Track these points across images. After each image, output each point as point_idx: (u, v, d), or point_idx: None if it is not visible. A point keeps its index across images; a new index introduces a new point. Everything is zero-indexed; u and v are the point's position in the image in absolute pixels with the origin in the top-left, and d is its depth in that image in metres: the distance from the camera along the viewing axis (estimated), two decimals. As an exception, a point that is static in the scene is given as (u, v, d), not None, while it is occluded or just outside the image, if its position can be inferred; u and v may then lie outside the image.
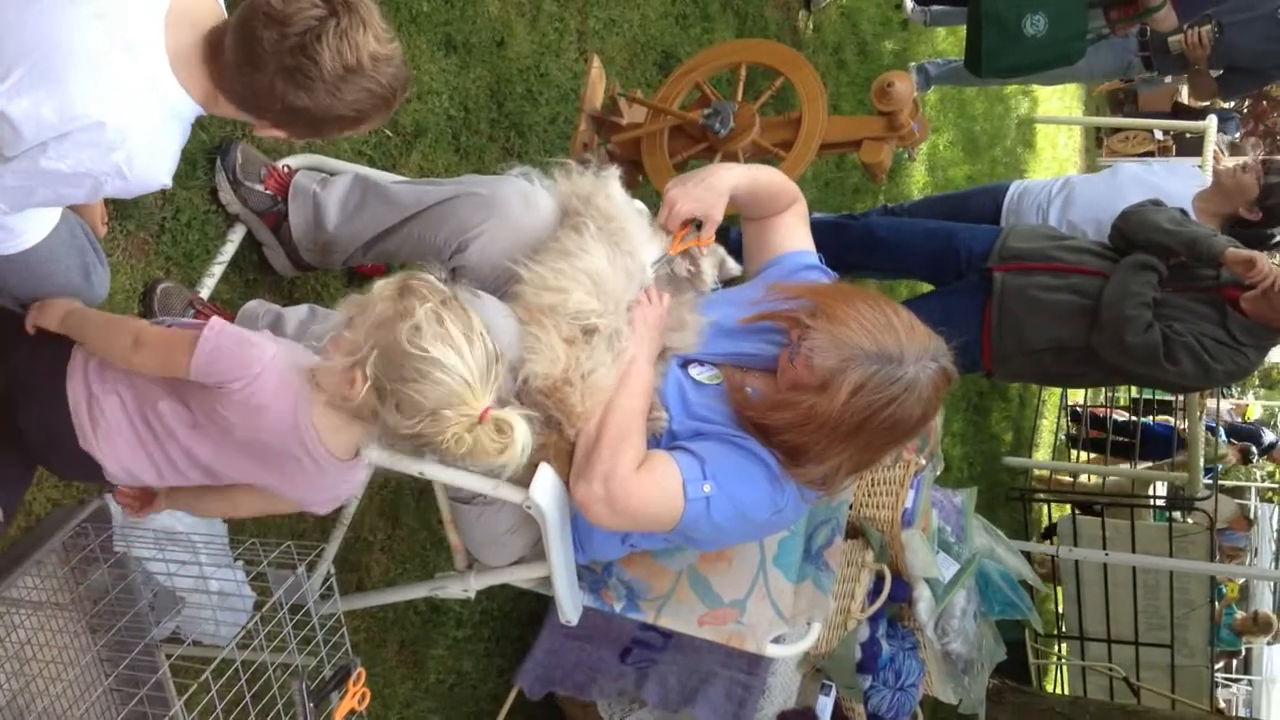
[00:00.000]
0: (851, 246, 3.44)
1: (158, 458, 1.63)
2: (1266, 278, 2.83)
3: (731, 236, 2.43)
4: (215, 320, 1.57)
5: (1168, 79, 6.19)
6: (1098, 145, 9.11)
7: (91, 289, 1.74)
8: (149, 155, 1.45)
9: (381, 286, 1.56)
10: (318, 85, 1.45)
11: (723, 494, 1.82)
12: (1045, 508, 6.79)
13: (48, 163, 1.38)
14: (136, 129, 1.42)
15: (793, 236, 2.15)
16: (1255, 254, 2.87)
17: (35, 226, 1.57)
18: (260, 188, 2.21)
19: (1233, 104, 9.41)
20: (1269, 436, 8.58)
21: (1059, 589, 6.00)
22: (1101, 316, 2.96)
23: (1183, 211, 3.10)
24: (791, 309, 1.89)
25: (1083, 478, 7.61)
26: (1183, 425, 7.18)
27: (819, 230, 3.61)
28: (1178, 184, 3.59)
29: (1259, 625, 8.82)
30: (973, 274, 3.26)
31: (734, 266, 2.17)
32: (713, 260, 2.10)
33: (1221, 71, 4.44)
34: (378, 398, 1.52)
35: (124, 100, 1.40)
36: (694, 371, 1.96)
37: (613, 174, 2.04)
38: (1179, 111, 8.25)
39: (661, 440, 1.89)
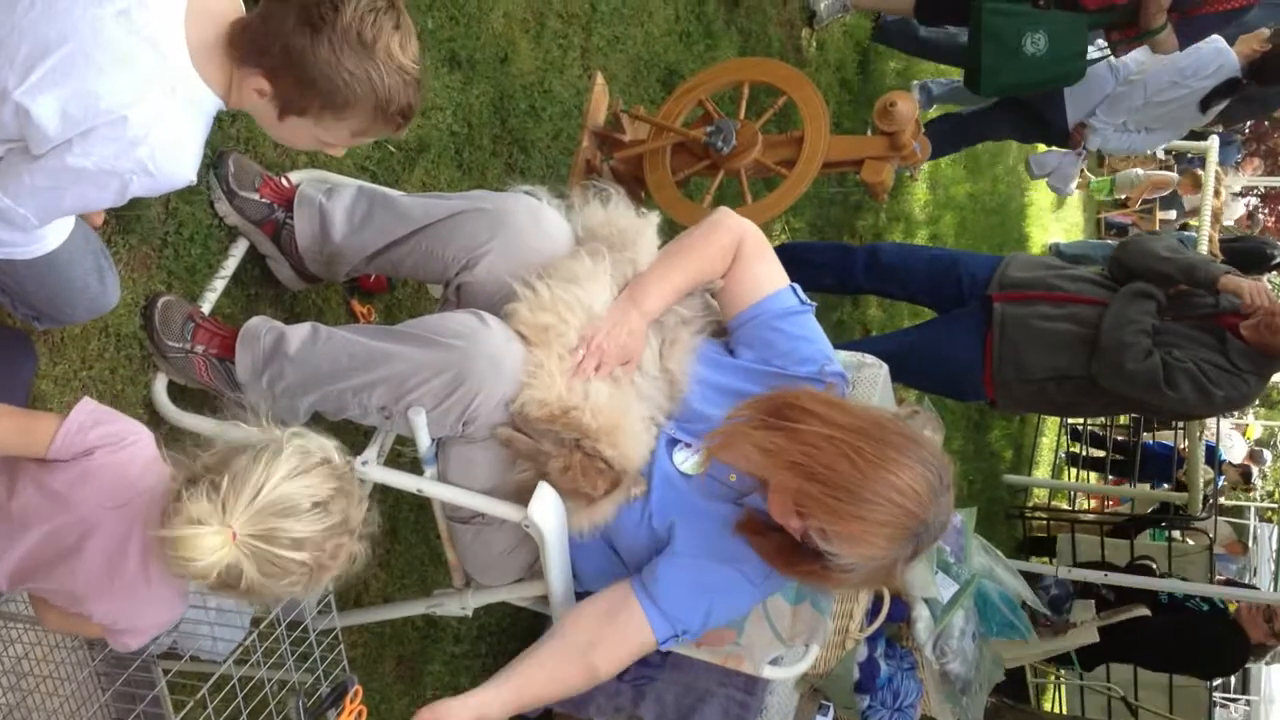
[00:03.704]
0: (856, 269, 3.47)
1: None
2: (1261, 308, 2.85)
3: None
4: (86, 400, 1.50)
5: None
6: (1099, 164, 9.12)
7: (106, 292, 1.74)
8: (172, 150, 1.46)
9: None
10: (325, 33, 1.45)
11: (700, 629, 1.92)
12: (1045, 528, 6.78)
13: (73, 160, 1.40)
14: (159, 124, 1.43)
15: (759, 282, 1.98)
16: (1250, 282, 2.89)
17: (57, 228, 1.58)
18: (255, 196, 2.18)
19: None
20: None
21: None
22: (1101, 344, 2.96)
23: (1181, 241, 3.13)
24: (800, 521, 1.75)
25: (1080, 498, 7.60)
26: (1183, 445, 7.18)
27: (825, 253, 3.65)
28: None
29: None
30: (974, 301, 3.27)
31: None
32: None
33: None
34: None
35: (146, 95, 1.41)
36: (679, 459, 1.92)
37: (652, 219, 2.02)
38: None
39: (638, 513, 1.90)
